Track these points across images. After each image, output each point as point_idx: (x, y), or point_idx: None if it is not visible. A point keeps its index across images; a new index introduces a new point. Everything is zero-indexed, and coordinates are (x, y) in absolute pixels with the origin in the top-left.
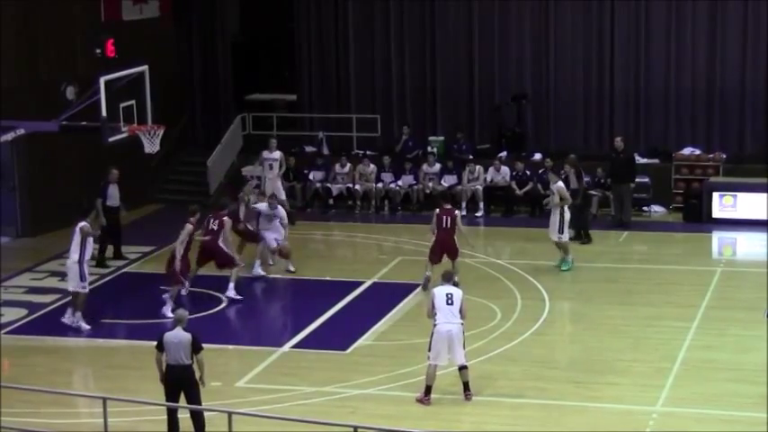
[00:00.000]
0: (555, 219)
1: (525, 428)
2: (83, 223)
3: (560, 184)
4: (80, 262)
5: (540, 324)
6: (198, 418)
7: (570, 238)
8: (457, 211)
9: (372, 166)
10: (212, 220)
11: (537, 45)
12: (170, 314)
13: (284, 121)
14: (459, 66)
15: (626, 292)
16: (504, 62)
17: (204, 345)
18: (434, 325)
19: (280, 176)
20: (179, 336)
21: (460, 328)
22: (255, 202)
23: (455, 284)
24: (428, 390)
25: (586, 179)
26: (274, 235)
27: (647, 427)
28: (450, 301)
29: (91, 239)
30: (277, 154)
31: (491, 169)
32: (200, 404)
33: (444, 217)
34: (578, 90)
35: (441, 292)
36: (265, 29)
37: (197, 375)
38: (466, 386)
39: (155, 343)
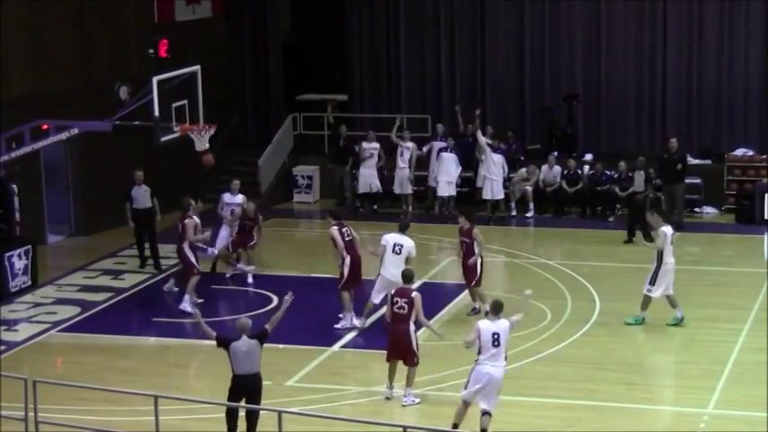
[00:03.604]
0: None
1: (576, 429)
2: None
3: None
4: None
5: (591, 325)
6: (252, 423)
7: (624, 241)
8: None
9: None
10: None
11: (588, 45)
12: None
13: (335, 121)
14: (509, 66)
15: (677, 293)
16: (555, 62)
17: None
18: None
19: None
20: (247, 344)
21: None
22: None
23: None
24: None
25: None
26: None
27: (698, 429)
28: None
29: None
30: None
31: (544, 167)
32: (257, 413)
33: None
34: (630, 90)
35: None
36: (317, 29)
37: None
38: None
39: (207, 342)
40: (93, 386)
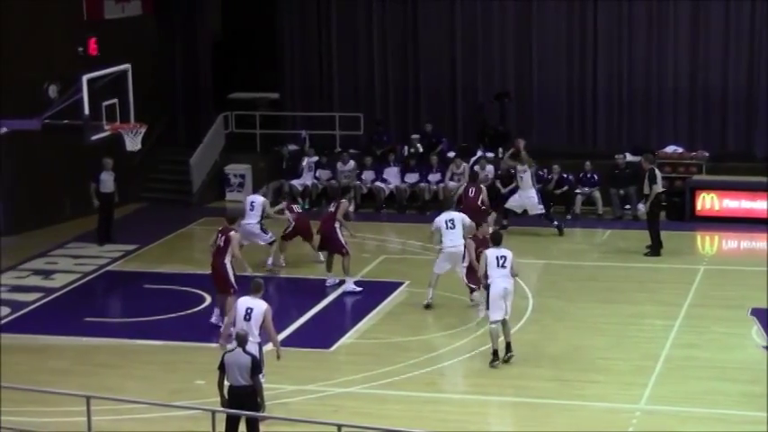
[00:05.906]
0: None
1: (509, 427)
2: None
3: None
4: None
5: (524, 322)
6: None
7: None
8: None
9: (352, 162)
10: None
11: (520, 44)
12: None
13: (267, 120)
14: (442, 64)
15: (609, 290)
16: (488, 60)
17: (187, 343)
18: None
19: None
20: (240, 357)
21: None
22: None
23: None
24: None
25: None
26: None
27: (629, 425)
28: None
29: None
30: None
31: (476, 168)
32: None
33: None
34: (561, 88)
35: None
36: (248, 27)
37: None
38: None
39: (139, 341)
40: (23, 387)
